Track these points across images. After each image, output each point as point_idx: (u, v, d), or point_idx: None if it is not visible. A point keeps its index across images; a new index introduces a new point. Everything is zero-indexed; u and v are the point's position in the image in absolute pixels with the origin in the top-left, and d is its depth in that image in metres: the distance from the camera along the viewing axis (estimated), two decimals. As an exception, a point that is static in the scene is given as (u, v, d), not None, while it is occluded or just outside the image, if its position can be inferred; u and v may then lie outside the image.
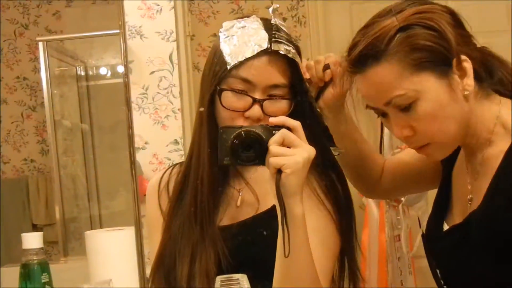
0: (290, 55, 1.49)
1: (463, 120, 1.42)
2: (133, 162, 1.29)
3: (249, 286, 1.17)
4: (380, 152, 2.73)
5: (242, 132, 1.37)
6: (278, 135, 1.35)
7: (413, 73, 1.36)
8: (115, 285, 1.45)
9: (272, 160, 1.33)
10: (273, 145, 1.34)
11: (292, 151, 1.33)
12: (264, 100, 1.49)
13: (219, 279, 1.17)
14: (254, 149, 1.36)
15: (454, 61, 1.38)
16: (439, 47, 1.36)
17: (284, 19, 1.48)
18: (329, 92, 1.62)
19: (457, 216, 1.52)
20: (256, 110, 1.49)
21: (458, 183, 1.56)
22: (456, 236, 1.48)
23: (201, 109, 1.54)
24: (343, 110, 1.66)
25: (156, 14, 2.60)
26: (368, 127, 3.61)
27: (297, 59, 1.52)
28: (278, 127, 1.37)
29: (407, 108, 1.37)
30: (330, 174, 1.56)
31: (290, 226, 1.34)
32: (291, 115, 1.48)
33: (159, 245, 1.58)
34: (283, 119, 1.38)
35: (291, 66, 1.52)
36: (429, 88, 1.36)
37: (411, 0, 1.42)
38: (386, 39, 1.36)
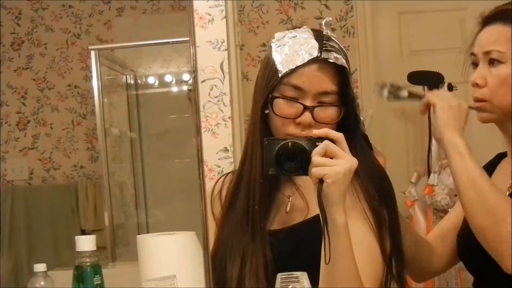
0: (338, 63, 1.52)
1: None
2: (200, 162, 1.31)
3: (309, 284, 1.20)
4: (428, 162, 2.74)
5: (288, 143, 1.40)
6: (321, 147, 1.37)
7: None
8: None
9: (314, 170, 1.36)
10: (316, 156, 1.37)
11: (334, 161, 1.36)
12: (314, 107, 1.51)
13: (279, 276, 1.19)
14: (297, 159, 1.39)
15: None
16: None
17: (333, 30, 1.50)
18: None
19: None
20: (307, 116, 1.51)
21: None
22: None
23: (267, 111, 1.56)
24: None
25: (208, 23, 2.62)
26: (415, 137, 3.60)
27: (346, 66, 1.54)
28: (322, 138, 1.39)
29: (494, 63, 1.61)
30: (375, 181, 1.56)
31: (331, 234, 1.36)
32: (340, 121, 1.51)
33: (211, 249, 1.60)
34: (326, 131, 1.40)
35: (340, 73, 1.54)
36: None
37: None
38: None
